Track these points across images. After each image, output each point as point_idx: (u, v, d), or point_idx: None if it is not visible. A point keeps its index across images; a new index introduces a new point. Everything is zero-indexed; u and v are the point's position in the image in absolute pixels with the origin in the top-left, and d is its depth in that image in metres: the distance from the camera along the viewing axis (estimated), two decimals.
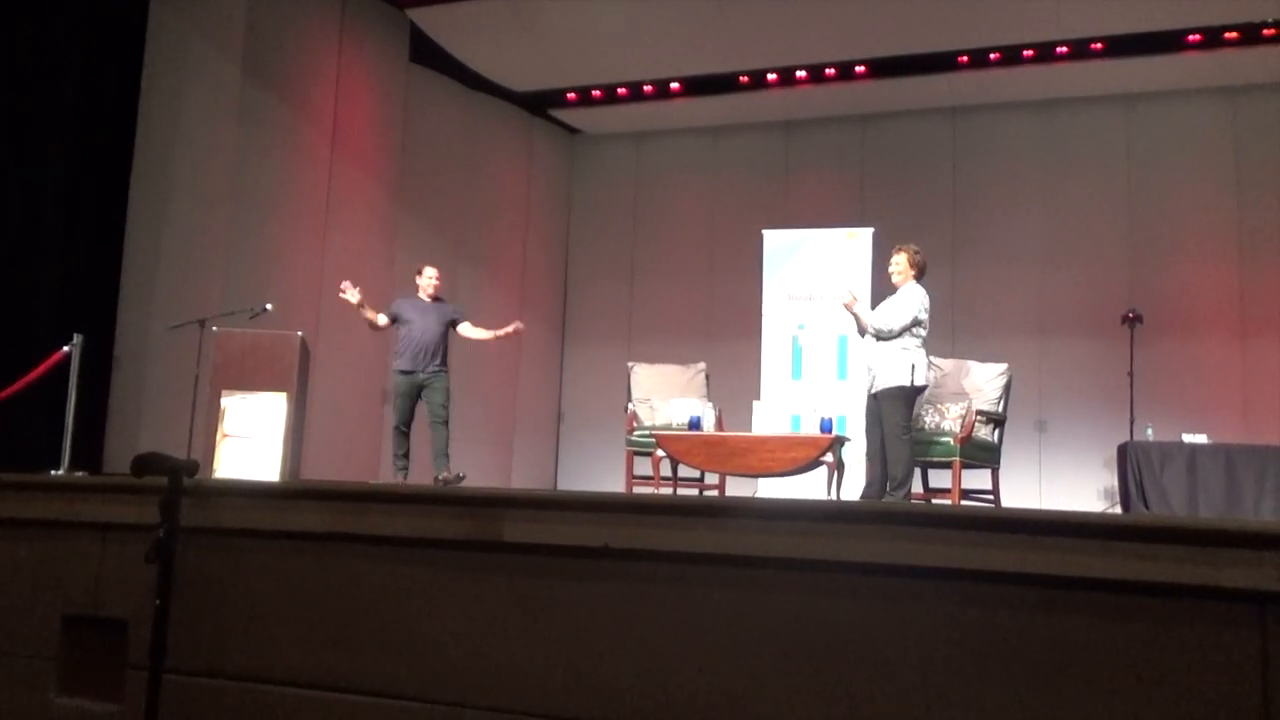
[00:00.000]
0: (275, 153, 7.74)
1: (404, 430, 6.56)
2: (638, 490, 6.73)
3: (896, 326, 5.70)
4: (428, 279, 6.81)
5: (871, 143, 10.00)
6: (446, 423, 6.51)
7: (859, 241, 8.19)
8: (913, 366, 5.66)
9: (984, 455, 6.17)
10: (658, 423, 7.02)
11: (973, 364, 6.57)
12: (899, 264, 5.86)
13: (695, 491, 6.96)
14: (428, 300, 6.78)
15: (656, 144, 10.76)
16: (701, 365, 7.57)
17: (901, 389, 5.65)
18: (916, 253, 5.85)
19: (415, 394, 6.56)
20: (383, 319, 6.65)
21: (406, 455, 6.55)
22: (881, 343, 5.76)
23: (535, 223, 10.42)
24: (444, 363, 6.68)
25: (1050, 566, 1.96)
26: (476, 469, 9.05)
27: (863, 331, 5.96)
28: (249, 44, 7.54)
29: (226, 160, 7.40)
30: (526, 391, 10.21)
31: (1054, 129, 9.51)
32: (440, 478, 6.35)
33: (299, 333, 5.65)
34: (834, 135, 10.12)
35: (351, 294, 6.44)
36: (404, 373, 6.57)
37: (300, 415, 5.76)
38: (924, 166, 9.79)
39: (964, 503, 5.96)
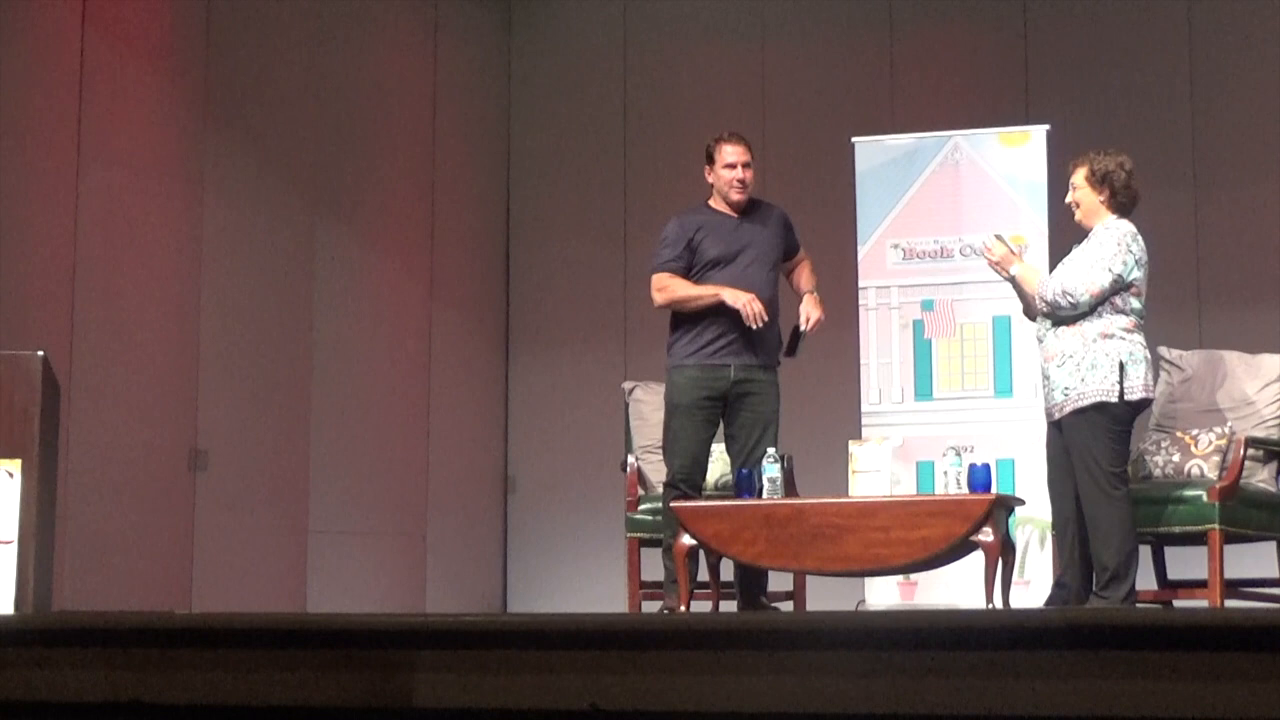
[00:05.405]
0: None
1: (689, 491, 6.13)
2: (648, 608, 6.75)
3: (1082, 293, 5.74)
4: (731, 160, 6.25)
5: None
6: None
7: (1026, 152, 8.20)
8: (1121, 365, 5.70)
9: (1262, 518, 6.20)
10: None
11: (1234, 358, 6.61)
12: (1079, 185, 5.92)
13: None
14: (735, 215, 6.33)
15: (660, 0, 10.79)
16: None
17: (1102, 408, 5.69)
18: (1110, 162, 5.89)
19: (718, 410, 6.21)
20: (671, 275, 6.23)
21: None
22: (1063, 328, 5.80)
23: (447, 147, 10.43)
24: (775, 347, 6.28)
25: None
26: (363, 582, 9.06)
27: (1031, 312, 5.98)
28: None
29: None
30: (446, 442, 10.24)
31: None
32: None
33: (39, 352, 5.67)
34: None
35: None
36: (699, 368, 6.13)
37: (49, 498, 5.78)
38: (1136, 13, 9.78)
39: (1230, 605, 5.97)
